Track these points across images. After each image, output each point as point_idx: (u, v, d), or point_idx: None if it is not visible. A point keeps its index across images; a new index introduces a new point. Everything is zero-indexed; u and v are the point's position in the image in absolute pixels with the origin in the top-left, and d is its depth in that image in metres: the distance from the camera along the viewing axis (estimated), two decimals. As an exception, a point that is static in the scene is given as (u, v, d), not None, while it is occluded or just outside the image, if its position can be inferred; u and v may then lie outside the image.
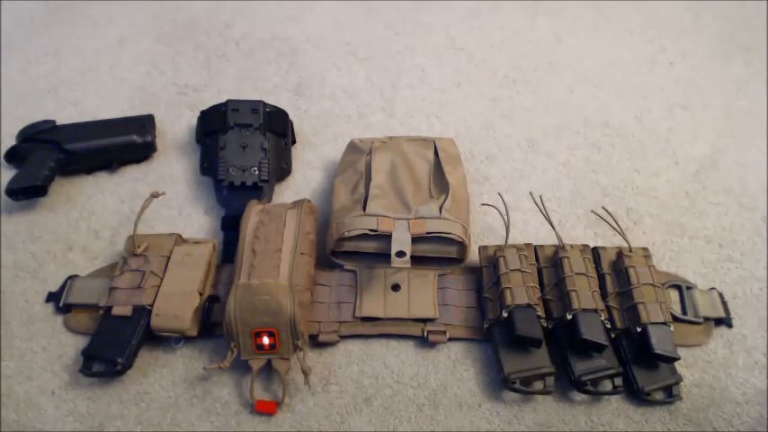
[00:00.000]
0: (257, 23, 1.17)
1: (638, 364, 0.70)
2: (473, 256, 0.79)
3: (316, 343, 0.74)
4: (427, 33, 1.16)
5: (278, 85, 1.07)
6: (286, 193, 0.92)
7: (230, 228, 0.82)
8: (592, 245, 0.80)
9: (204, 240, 0.80)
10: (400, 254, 0.70)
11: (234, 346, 0.68)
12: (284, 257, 0.72)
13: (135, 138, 0.92)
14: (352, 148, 0.88)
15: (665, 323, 0.69)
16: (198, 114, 0.95)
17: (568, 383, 0.70)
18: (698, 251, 0.85)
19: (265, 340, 0.68)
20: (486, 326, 0.73)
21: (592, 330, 0.68)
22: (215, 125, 0.90)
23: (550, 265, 0.77)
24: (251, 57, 1.11)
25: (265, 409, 0.69)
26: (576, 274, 0.73)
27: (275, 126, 0.92)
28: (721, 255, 0.85)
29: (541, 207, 0.87)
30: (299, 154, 0.97)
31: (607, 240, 0.85)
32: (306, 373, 0.69)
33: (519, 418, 0.70)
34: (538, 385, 0.70)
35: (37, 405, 0.71)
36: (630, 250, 0.77)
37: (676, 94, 1.06)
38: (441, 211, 0.75)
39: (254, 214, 0.77)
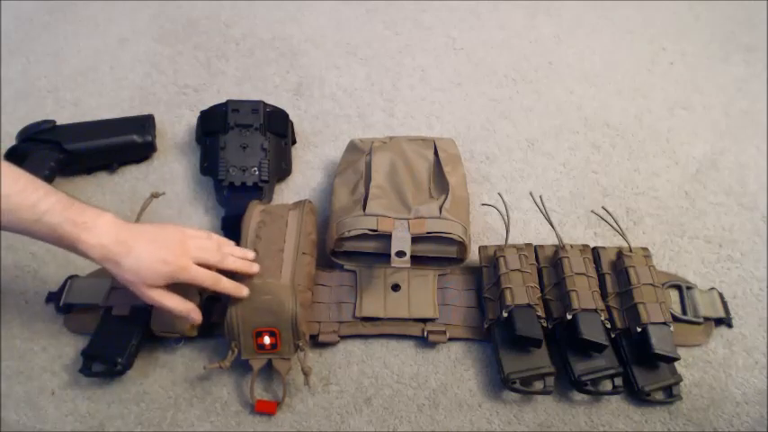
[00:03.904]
0: (257, 23, 1.17)
1: (638, 364, 0.70)
2: (473, 256, 0.79)
3: (316, 343, 0.74)
4: (427, 33, 1.16)
5: (278, 85, 1.07)
6: (286, 193, 0.92)
7: (230, 228, 0.82)
8: (592, 245, 0.80)
9: (204, 240, 0.80)
10: (400, 254, 0.70)
11: (234, 345, 0.68)
12: (286, 257, 0.72)
13: (135, 138, 0.92)
14: (352, 148, 0.88)
15: (665, 323, 0.69)
16: (198, 114, 0.95)
17: (568, 383, 0.70)
18: (698, 251, 0.85)
19: (266, 340, 0.68)
20: (486, 326, 0.73)
21: (592, 330, 0.68)
22: (215, 125, 0.90)
23: (550, 265, 0.77)
24: (251, 57, 1.11)
25: (265, 409, 0.69)
26: (576, 274, 0.73)
27: (275, 126, 0.92)
28: (721, 255, 0.85)
29: (541, 207, 0.87)
30: (299, 154, 0.97)
31: (607, 240, 0.85)
32: (306, 374, 0.69)
33: (519, 418, 0.70)
34: (538, 385, 0.70)
35: (37, 405, 0.71)
36: (630, 250, 0.77)
37: (676, 94, 1.06)
38: (441, 211, 0.75)
39: (255, 214, 0.77)
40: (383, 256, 0.73)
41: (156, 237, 0.65)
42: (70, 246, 0.60)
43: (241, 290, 0.68)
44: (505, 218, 0.83)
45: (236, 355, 0.68)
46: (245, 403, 0.71)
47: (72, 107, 1.02)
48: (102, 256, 0.61)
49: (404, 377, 0.73)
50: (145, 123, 0.94)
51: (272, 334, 0.68)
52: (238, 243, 0.74)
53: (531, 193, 0.91)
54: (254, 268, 0.70)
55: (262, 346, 0.69)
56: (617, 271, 0.76)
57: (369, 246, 0.75)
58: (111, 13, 1.18)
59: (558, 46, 1.14)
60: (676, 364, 0.71)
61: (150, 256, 0.62)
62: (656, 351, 0.67)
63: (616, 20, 1.20)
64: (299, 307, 0.68)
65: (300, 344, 0.69)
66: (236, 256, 0.70)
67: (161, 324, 0.71)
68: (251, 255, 0.71)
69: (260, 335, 0.68)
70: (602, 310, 0.70)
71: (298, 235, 0.74)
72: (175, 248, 0.65)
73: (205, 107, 0.94)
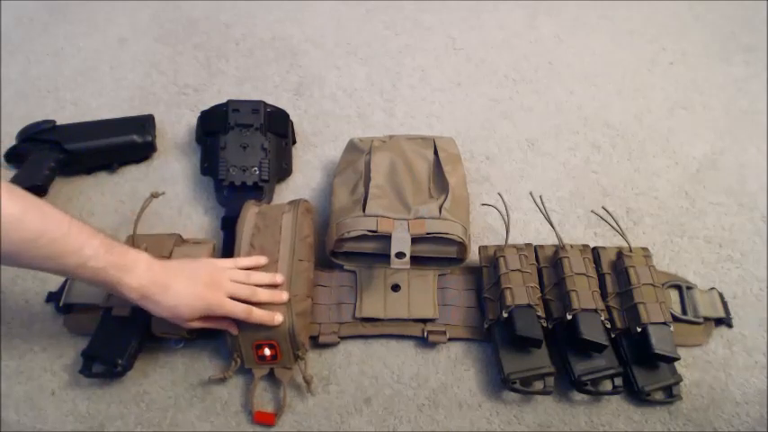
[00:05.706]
0: (257, 23, 1.17)
1: (638, 364, 0.70)
2: (473, 256, 0.79)
3: (316, 344, 0.74)
4: (427, 33, 1.16)
5: (278, 85, 1.07)
6: (286, 193, 0.92)
7: (230, 228, 0.82)
8: (592, 245, 0.80)
9: (204, 241, 0.80)
10: (400, 255, 0.69)
11: (237, 356, 0.69)
12: (281, 268, 0.71)
13: (135, 138, 0.92)
14: (352, 147, 0.88)
15: (665, 323, 0.69)
16: (198, 114, 0.95)
17: (568, 383, 0.70)
18: (698, 251, 0.85)
19: (266, 352, 0.68)
20: (486, 326, 0.73)
21: (592, 330, 0.68)
22: (216, 125, 0.90)
23: (550, 265, 0.77)
24: (251, 57, 1.11)
25: (264, 420, 0.69)
26: (576, 274, 0.73)
27: (276, 126, 0.92)
28: (721, 255, 0.85)
29: (541, 207, 0.87)
30: (299, 154, 0.97)
31: (607, 240, 0.85)
32: (308, 382, 0.69)
33: (519, 418, 0.70)
34: (538, 385, 0.70)
35: (37, 405, 0.71)
36: (630, 250, 0.77)
37: (676, 94, 1.06)
38: (440, 212, 0.75)
39: (250, 217, 0.77)
40: (383, 257, 0.72)
41: (191, 273, 0.65)
42: (110, 287, 0.61)
43: (273, 318, 0.67)
44: (505, 218, 0.83)
45: (238, 365, 0.69)
46: (245, 404, 0.71)
47: (72, 107, 1.02)
48: (141, 296, 0.62)
49: (404, 377, 0.73)
50: (145, 123, 0.94)
51: (271, 346, 0.68)
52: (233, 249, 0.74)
53: (531, 193, 0.91)
54: (284, 297, 0.69)
55: (262, 358, 0.69)
56: (617, 271, 0.76)
57: (368, 246, 0.75)
58: (111, 13, 1.18)
59: (558, 46, 1.14)
60: (676, 364, 0.71)
61: (187, 294, 0.64)
62: (656, 351, 0.67)
63: (616, 20, 1.20)
64: (297, 318, 0.68)
65: (300, 353, 0.69)
66: (264, 283, 0.69)
67: (161, 325, 0.71)
68: (279, 279, 0.70)
69: (260, 347, 0.68)
70: (602, 310, 0.70)
71: (293, 241, 0.74)
72: (211, 284, 0.65)
73: (205, 107, 0.94)
